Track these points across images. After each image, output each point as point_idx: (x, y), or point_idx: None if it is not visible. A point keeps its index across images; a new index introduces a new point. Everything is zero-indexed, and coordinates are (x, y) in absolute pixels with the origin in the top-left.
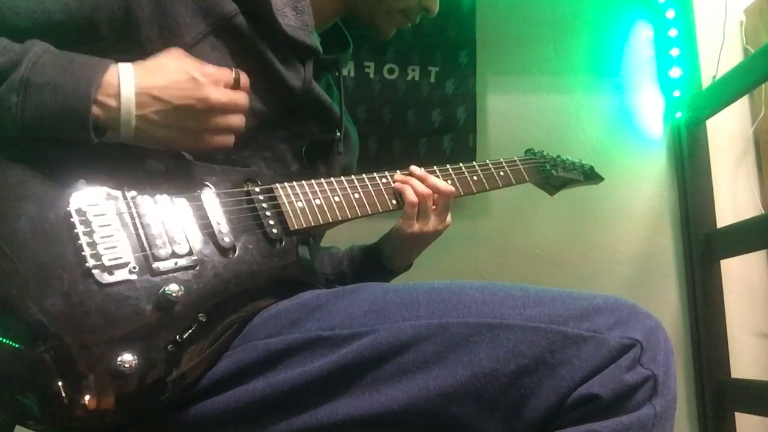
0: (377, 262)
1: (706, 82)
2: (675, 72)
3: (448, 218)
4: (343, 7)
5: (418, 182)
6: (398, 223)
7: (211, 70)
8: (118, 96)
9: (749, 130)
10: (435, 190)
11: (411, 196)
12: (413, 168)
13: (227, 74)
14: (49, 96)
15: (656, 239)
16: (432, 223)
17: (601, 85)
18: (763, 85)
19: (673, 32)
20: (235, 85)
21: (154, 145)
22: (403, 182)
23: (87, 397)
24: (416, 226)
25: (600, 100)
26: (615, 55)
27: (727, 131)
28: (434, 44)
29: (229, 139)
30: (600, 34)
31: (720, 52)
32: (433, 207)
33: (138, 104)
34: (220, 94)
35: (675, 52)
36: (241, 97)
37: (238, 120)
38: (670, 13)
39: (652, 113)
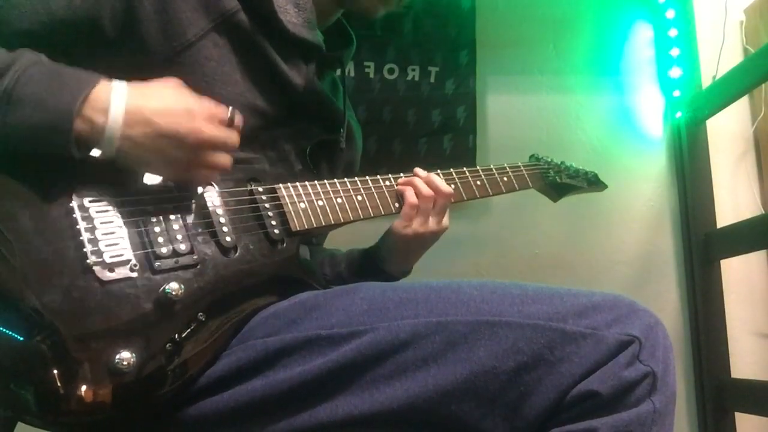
0: (375, 265)
1: (706, 82)
2: (675, 72)
3: (446, 221)
4: (330, 1)
5: (420, 183)
6: (395, 223)
7: (208, 104)
8: (106, 111)
9: (749, 130)
10: (436, 191)
11: (412, 198)
12: (417, 170)
13: (222, 111)
14: (31, 110)
15: (656, 239)
16: (428, 225)
17: (601, 85)
18: (763, 85)
19: (673, 32)
20: (229, 123)
21: (134, 167)
22: (406, 184)
23: (83, 392)
24: (412, 227)
25: (600, 100)
26: (615, 55)
27: (727, 131)
28: (434, 44)
29: (212, 176)
30: (600, 34)
31: (720, 52)
32: (432, 208)
33: (126, 123)
34: (213, 130)
35: (675, 52)
36: (232, 137)
37: (225, 159)
38: (670, 13)
39: (652, 113)
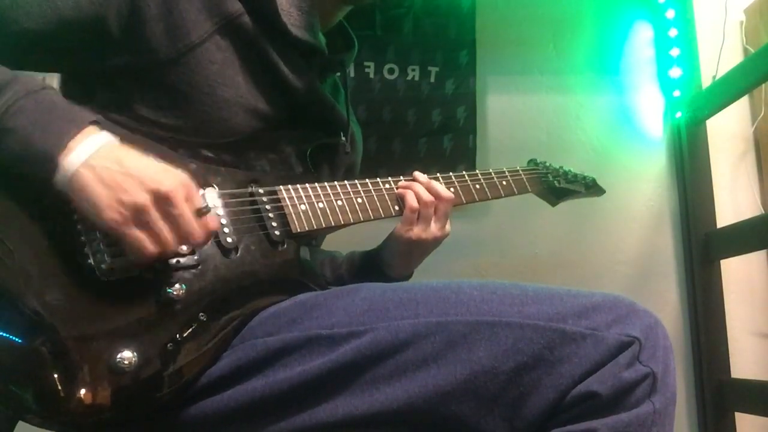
0: (376, 268)
1: (706, 82)
2: (675, 72)
3: (448, 226)
4: (331, 3)
5: (421, 188)
6: (397, 227)
7: (189, 181)
8: (83, 143)
9: (749, 130)
10: (437, 196)
11: (413, 201)
12: (417, 174)
13: (198, 197)
14: (16, 143)
15: (656, 239)
16: (431, 231)
17: (601, 85)
18: (763, 85)
19: (673, 32)
20: (197, 213)
21: (78, 202)
22: (405, 187)
23: (84, 392)
24: (415, 232)
25: (600, 100)
26: (615, 54)
27: (727, 131)
28: (434, 44)
29: (147, 246)
30: (600, 34)
31: (720, 52)
32: (434, 214)
33: (96, 154)
34: (178, 195)
35: (675, 52)
36: (191, 224)
37: (168, 237)
38: (670, 13)
39: (652, 113)
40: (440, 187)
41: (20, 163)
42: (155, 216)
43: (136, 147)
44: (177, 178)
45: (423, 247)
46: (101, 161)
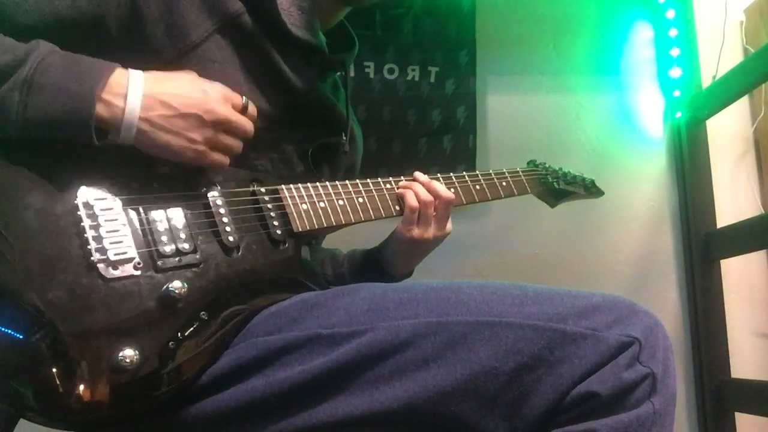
0: (377, 266)
1: (706, 82)
2: (675, 72)
3: (449, 226)
4: (332, 3)
5: (421, 188)
6: (398, 227)
7: (223, 88)
8: (124, 96)
9: (749, 130)
10: (436, 196)
11: (412, 201)
12: (417, 174)
13: (237, 97)
14: (52, 96)
15: (656, 239)
16: (431, 230)
17: (601, 85)
18: (763, 85)
19: (673, 32)
20: (242, 111)
21: (153, 151)
22: (406, 187)
23: (83, 389)
24: (416, 231)
25: (600, 100)
26: (615, 55)
27: (727, 131)
28: (434, 44)
29: (225, 160)
30: (600, 34)
31: (720, 52)
32: (434, 213)
33: (144, 107)
34: (228, 111)
35: (675, 52)
36: (245, 123)
37: (237, 143)
38: (670, 13)
39: (652, 113)
40: (440, 186)
41: (58, 117)
42: (222, 138)
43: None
44: (218, 97)
45: (424, 247)
46: (153, 112)
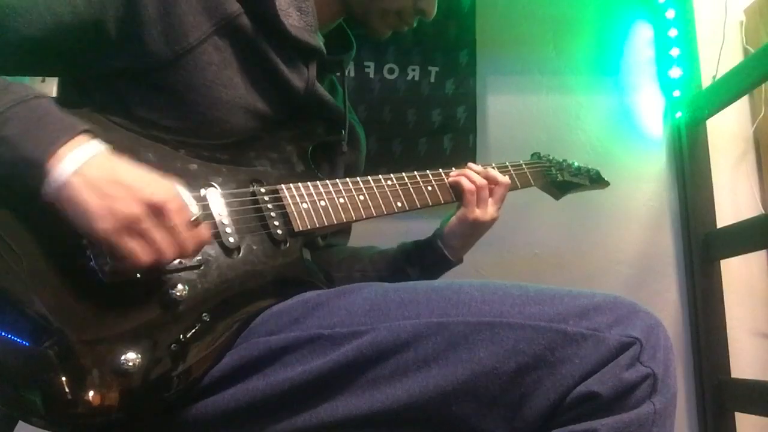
0: (437, 253)
1: (706, 82)
2: (675, 72)
3: (498, 209)
4: (340, 8)
5: (472, 173)
6: (459, 212)
7: (183, 191)
8: (73, 152)
9: (749, 130)
10: (492, 181)
11: (467, 184)
12: (471, 164)
13: (188, 212)
14: (5, 151)
15: (656, 239)
16: (489, 212)
17: (601, 85)
18: (763, 85)
19: (673, 32)
20: (191, 225)
21: (67, 211)
22: (458, 175)
23: (90, 394)
24: (477, 212)
25: (600, 100)
26: (615, 55)
27: (727, 131)
28: (434, 44)
29: (142, 254)
30: (600, 34)
31: (720, 52)
32: (491, 196)
33: (86, 163)
34: (174, 206)
35: (675, 52)
36: (186, 233)
37: (165, 245)
38: (670, 13)
39: (652, 113)
40: (495, 171)
41: (10, 171)
42: (148, 226)
43: (131, 153)
44: (169, 189)
45: (482, 227)
46: (92, 171)
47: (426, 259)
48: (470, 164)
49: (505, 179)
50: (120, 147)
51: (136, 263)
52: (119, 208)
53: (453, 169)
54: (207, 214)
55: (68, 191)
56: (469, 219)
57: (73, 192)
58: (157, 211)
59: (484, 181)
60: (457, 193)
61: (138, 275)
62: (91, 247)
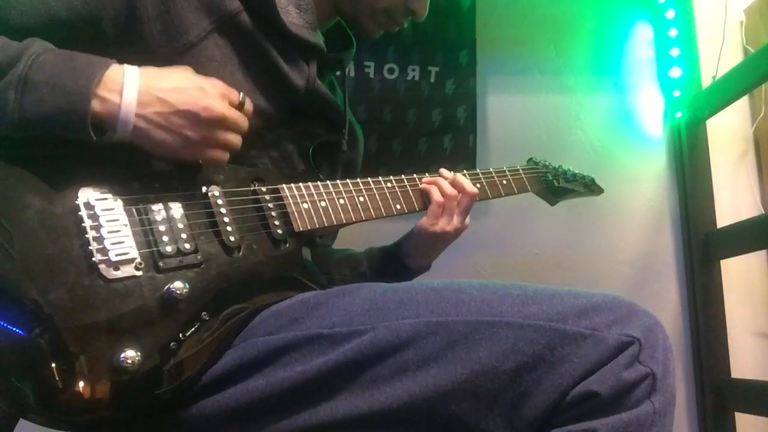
0: (399, 261)
1: (706, 82)
2: (675, 72)
3: (467, 220)
4: (332, 6)
5: (445, 183)
6: (422, 221)
7: (220, 84)
8: (120, 92)
9: (749, 130)
10: (461, 190)
11: (438, 196)
12: (443, 171)
13: (234, 93)
14: (47, 93)
15: (656, 239)
16: (454, 223)
17: (601, 85)
18: (763, 85)
19: (673, 32)
20: (239, 107)
21: (149, 148)
22: (430, 183)
23: (83, 389)
24: (439, 225)
25: (600, 100)
26: (615, 55)
27: (727, 131)
28: (434, 44)
29: (224, 156)
30: (600, 34)
31: (720, 52)
32: (457, 207)
33: (140, 103)
34: (225, 108)
35: (675, 52)
36: (242, 119)
37: (236, 139)
38: (670, 13)
39: (652, 113)
40: (465, 181)
41: (54, 114)
42: (219, 134)
43: (155, 71)
44: (215, 93)
45: (444, 239)
46: (149, 108)
47: (388, 268)
48: (442, 170)
49: (472, 189)
50: (120, 144)
51: (222, 163)
52: (192, 135)
53: (426, 174)
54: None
55: (141, 135)
56: (429, 230)
57: (145, 135)
58: (220, 121)
59: (454, 192)
60: (426, 201)
61: (139, 272)
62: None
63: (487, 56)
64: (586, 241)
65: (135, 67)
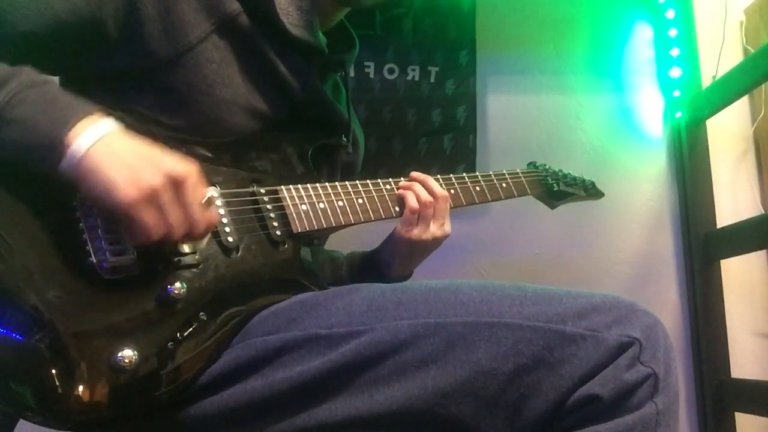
0: (376, 269)
1: (706, 82)
2: (675, 72)
3: (447, 226)
4: (330, 3)
5: (421, 189)
6: (397, 228)
7: (199, 172)
8: (87, 131)
9: (749, 130)
10: (432, 194)
11: (413, 202)
12: (414, 173)
13: (205, 189)
14: (19, 134)
15: (656, 239)
16: (430, 231)
17: (601, 85)
18: (763, 85)
19: (673, 32)
20: (204, 206)
21: (93, 186)
22: (405, 188)
23: (82, 389)
24: (414, 232)
25: (600, 100)
26: (615, 55)
27: (727, 131)
28: (434, 44)
29: (157, 229)
30: (600, 34)
31: (720, 52)
32: (432, 214)
33: (107, 136)
34: (190, 180)
35: (675, 52)
36: (200, 219)
37: (175, 224)
38: (670, 13)
39: (652, 113)
40: (435, 185)
41: (24, 152)
42: (168, 199)
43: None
44: (188, 165)
45: (422, 248)
46: (114, 144)
47: (365, 275)
48: (414, 174)
49: (444, 193)
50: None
51: (149, 237)
52: (143, 178)
53: (401, 179)
54: (213, 197)
55: (90, 162)
56: (404, 237)
57: (94, 163)
58: (176, 185)
59: (430, 198)
60: (400, 207)
61: (138, 271)
62: (91, 241)
63: (487, 56)
64: (586, 241)
65: (117, 123)
